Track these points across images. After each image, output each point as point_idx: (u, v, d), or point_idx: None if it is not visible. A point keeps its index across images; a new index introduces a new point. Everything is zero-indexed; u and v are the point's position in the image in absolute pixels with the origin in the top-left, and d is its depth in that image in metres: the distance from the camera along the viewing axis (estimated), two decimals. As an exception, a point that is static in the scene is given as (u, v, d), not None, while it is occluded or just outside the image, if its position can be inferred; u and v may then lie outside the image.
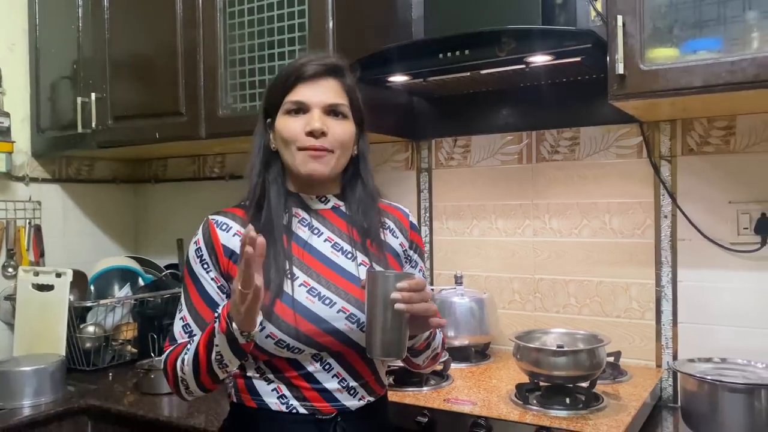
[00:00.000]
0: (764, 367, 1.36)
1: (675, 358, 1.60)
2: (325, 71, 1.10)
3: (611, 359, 1.53)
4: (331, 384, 1.07)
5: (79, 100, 2.06)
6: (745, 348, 1.48)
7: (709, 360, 1.42)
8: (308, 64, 1.09)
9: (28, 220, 2.23)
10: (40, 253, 2.24)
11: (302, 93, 1.09)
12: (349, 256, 1.11)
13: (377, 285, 0.99)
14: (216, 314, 1.01)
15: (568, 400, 1.34)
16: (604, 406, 1.32)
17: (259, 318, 0.98)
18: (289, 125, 1.08)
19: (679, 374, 1.41)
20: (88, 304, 2.02)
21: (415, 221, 1.25)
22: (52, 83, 2.21)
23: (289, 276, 1.06)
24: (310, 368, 1.06)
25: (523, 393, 1.37)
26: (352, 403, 1.08)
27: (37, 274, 1.98)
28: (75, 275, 1.96)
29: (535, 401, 1.35)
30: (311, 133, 1.07)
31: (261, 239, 0.91)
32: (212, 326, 1.00)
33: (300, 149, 1.08)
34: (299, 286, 1.06)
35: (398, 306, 0.96)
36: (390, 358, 1.03)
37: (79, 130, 2.06)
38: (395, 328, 0.98)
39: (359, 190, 1.16)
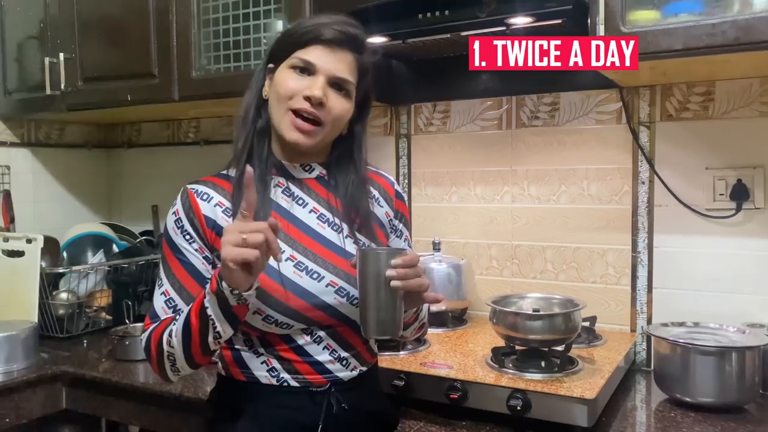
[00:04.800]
0: (735, 330, 1.39)
1: (649, 322, 1.62)
2: (345, 40, 1.04)
3: (587, 324, 1.55)
4: (323, 356, 1.05)
5: (46, 60, 2.00)
6: (717, 312, 1.50)
7: (682, 324, 1.44)
8: (329, 26, 1.03)
9: (-4, 185, 2.18)
10: (10, 219, 2.18)
11: (315, 54, 1.03)
12: (335, 227, 1.08)
13: (369, 263, 0.95)
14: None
15: (543, 364, 1.35)
16: (579, 370, 1.33)
17: (256, 283, 0.93)
18: (289, 81, 1.03)
19: (652, 338, 1.43)
20: (61, 271, 1.98)
21: (400, 190, 1.22)
22: (19, 43, 2.14)
23: None
24: (301, 341, 1.04)
25: (498, 357, 1.38)
26: (344, 374, 1.07)
27: (6, 240, 1.93)
28: (46, 241, 1.92)
29: (510, 365, 1.36)
30: (308, 99, 1.01)
31: (249, 170, 0.90)
32: (204, 291, 0.95)
33: (291, 110, 1.02)
34: (285, 260, 1.02)
35: (394, 283, 0.93)
36: (386, 337, 1.00)
37: (48, 92, 2.00)
38: (390, 306, 0.95)
39: (351, 175, 1.11)
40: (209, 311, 0.93)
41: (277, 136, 1.08)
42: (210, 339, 0.96)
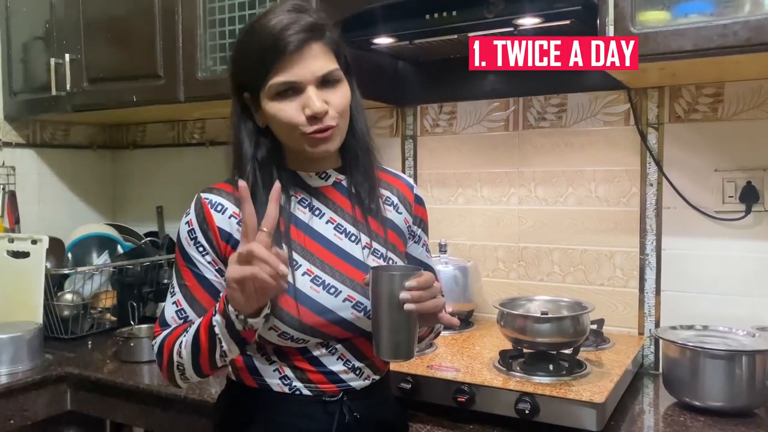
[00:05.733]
0: (745, 334, 1.37)
1: (657, 325, 1.61)
2: (307, 38, 0.96)
3: (594, 327, 1.53)
4: (337, 366, 1.03)
5: (52, 61, 1.99)
6: (727, 315, 1.49)
7: (690, 327, 1.43)
8: (286, 34, 0.95)
9: (2, 186, 2.17)
10: (15, 220, 2.18)
11: (289, 72, 0.96)
12: (353, 238, 1.05)
13: (383, 285, 0.93)
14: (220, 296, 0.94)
15: (551, 367, 1.34)
16: (587, 373, 1.33)
17: (266, 310, 0.91)
18: (285, 111, 0.97)
19: (660, 341, 1.42)
20: (66, 272, 1.98)
21: (420, 194, 1.18)
22: (24, 44, 2.14)
23: (289, 263, 0.98)
24: (316, 353, 1.02)
25: (506, 360, 1.37)
26: (358, 383, 1.05)
27: (12, 240, 1.93)
28: (51, 242, 1.92)
29: (518, 368, 1.35)
30: (313, 116, 0.96)
31: (242, 183, 0.88)
32: (214, 308, 0.94)
33: (305, 134, 0.98)
34: (302, 275, 1.00)
35: (408, 307, 0.91)
36: (399, 360, 0.98)
37: (53, 92, 1.99)
38: (403, 328, 0.93)
39: (353, 144, 1.06)
40: (216, 329, 0.92)
41: (291, 151, 1.04)
42: (217, 356, 0.95)
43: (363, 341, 1.04)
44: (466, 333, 1.69)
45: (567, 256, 1.73)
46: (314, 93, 0.97)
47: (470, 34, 1.47)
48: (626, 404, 1.36)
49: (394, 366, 1.35)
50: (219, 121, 2.30)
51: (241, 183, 0.88)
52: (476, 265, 1.80)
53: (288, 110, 0.97)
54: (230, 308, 0.89)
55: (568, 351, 1.36)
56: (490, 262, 1.84)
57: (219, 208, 1.02)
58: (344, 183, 1.09)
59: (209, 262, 1.02)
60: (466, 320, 1.78)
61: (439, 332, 1.19)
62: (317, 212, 1.06)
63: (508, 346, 1.41)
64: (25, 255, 1.89)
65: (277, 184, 0.89)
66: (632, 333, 1.64)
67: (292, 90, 0.97)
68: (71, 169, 2.43)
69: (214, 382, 1.52)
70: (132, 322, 1.86)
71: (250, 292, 0.87)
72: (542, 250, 1.77)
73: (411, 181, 1.19)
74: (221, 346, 0.93)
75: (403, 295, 0.91)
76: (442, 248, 1.77)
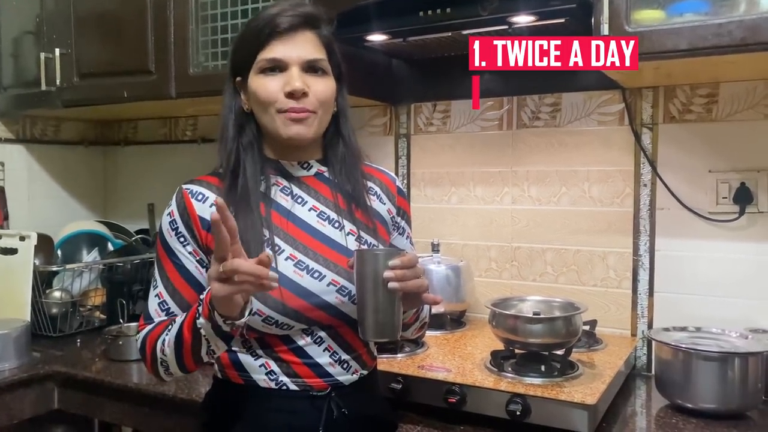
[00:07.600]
0: (738, 335, 1.37)
1: (650, 327, 1.60)
2: (300, 23, 1.02)
3: (587, 328, 1.52)
4: (323, 358, 1.03)
5: (42, 56, 1.97)
6: (720, 317, 1.48)
7: (683, 329, 1.42)
8: (281, 16, 1.01)
9: (-10, 182, 2.15)
10: (4, 216, 2.16)
11: (277, 49, 1.01)
12: (336, 225, 1.06)
13: (367, 264, 0.94)
14: (201, 297, 0.93)
15: (543, 368, 1.33)
16: (579, 374, 1.32)
17: (249, 307, 0.91)
18: (265, 86, 1.01)
19: (653, 343, 1.41)
20: (54, 269, 1.95)
21: (402, 186, 1.21)
22: (15, 38, 2.11)
23: (269, 245, 1.00)
24: (301, 342, 1.02)
25: (498, 360, 1.36)
26: (345, 377, 1.05)
27: (-1, 237, 1.91)
28: (40, 239, 1.89)
29: (510, 368, 1.34)
30: (291, 95, 1.00)
31: (220, 201, 0.85)
32: (195, 309, 0.93)
33: (280, 112, 1.01)
34: (285, 259, 1.01)
35: (391, 285, 0.92)
36: (384, 340, 0.99)
37: (43, 87, 1.97)
38: (388, 308, 0.94)
39: (341, 148, 1.10)
40: (202, 331, 0.92)
41: (271, 139, 1.07)
42: (203, 353, 0.95)
43: (348, 331, 1.04)
44: (457, 333, 1.68)
45: (560, 257, 1.72)
46: (297, 73, 1.01)
47: (465, 32, 1.46)
48: (618, 406, 1.35)
49: (384, 365, 1.35)
50: (211, 117, 2.28)
51: (219, 200, 0.86)
52: (469, 264, 1.79)
53: (268, 85, 1.01)
54: (216, 315, 0.89)
55: (560, 352, 1.35)
56: (483, 261, 1.83)
57: (200, 197, 1.03)
58: (326, 174, 1.11)
59: (190, 253, 1.02)
60: (457, 320, 1.77)
61: (426, 323, 1.18)
62: (299, 200, 1.07)
63: (500, 346, 1.40)
64: (13, 251, 1.87)
65: (219, 200, 0.86)
66: (625, 334, 1.63)
67: (278, 68, 1.01)
68: (61, 165, 2.41)
69: (203, 381, 1.50)
70: (121, 320, 1.84)
71: (237, 302, 0.88)
72: (535, 250, 1.76)
73: (392, 174, 1.21)
74: (209, 346, 0.93)
75: (387, 273, 0.92)
76: (435, 248, 1.76)
